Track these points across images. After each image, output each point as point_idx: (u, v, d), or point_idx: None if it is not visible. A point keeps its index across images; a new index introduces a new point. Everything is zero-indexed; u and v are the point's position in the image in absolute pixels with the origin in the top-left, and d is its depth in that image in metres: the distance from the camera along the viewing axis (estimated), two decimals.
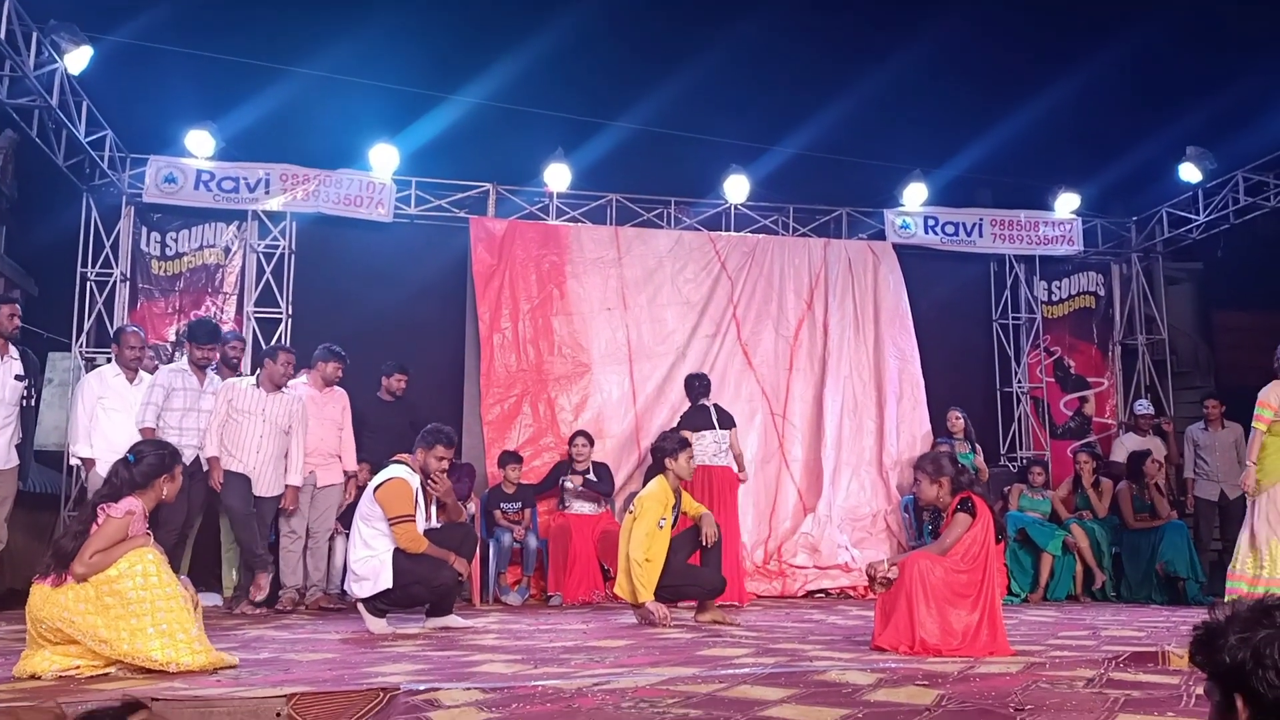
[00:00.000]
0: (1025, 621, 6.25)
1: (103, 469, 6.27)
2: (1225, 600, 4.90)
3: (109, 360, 7.37)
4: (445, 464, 5.75)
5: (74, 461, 6.73)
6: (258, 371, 7.19)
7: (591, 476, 8.30)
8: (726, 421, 8.16)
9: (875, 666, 3.80)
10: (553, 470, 8.55)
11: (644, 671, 3.73)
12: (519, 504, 8.20)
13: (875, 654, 4.45)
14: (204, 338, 6.96)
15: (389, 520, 5.43)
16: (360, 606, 5.54)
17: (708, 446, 7.92)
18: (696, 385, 8.37)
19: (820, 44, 14.05)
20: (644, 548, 5.93)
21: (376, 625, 5.46)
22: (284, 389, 7.03)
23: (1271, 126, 9.33)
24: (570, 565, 7.91)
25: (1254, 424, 6.74)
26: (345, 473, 7.42)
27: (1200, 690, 3.32)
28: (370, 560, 5.43)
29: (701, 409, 8.16)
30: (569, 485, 8.24)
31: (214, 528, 7.18)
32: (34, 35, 7.25)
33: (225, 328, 8.56)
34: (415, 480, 5.59)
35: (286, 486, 7.00)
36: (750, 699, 3.26)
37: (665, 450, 6.20)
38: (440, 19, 12.57)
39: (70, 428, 6.85)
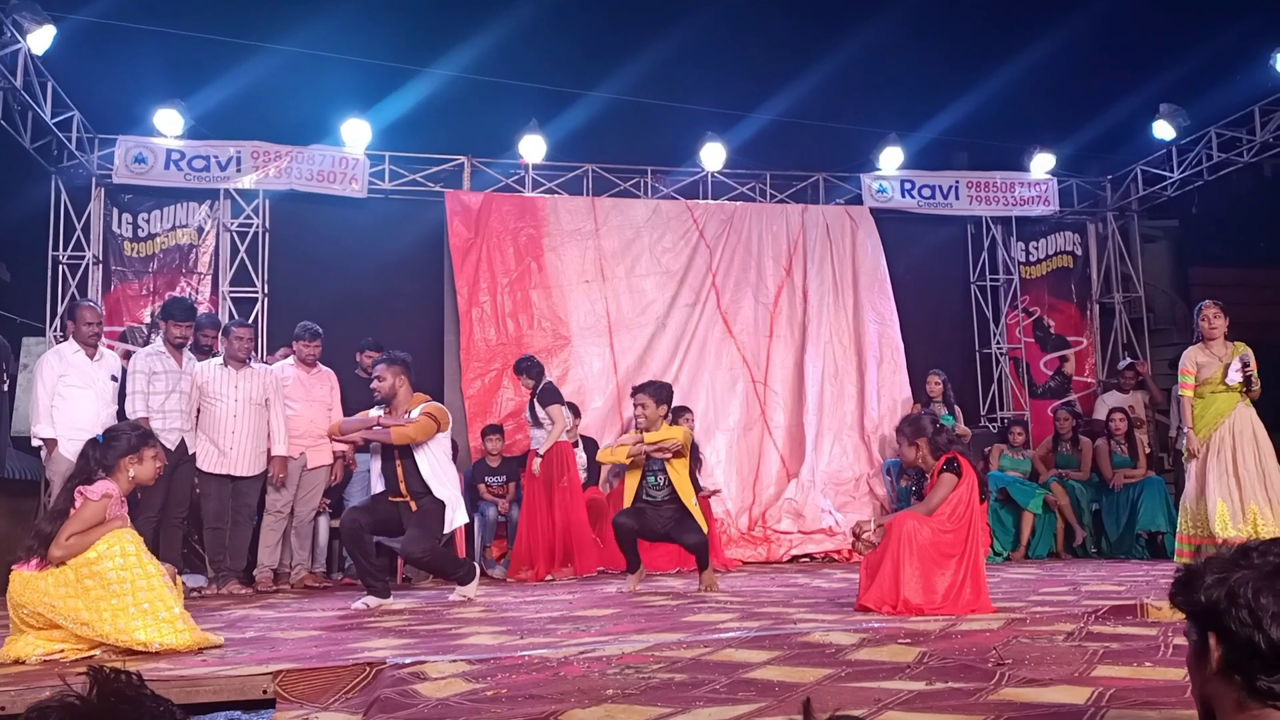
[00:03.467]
0: (1007, 579, 6.31)
1: (64, 448, 6.19)
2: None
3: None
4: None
5: (35, 442, 6.56)
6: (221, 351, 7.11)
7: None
8: None
9: (858, 627, 3.84)
10: None
11: (630, 638, 3.75)
12: (503, 477, 8.19)
13: (859, 615, 4.49)
14: (181, 315, 6.86)
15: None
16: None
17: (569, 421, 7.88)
18: (541, 366, 8.04)
19: (794, 9, 13.94)
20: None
21: (375, 601, 5.45)
22: (251, 363, 6.96)
23: (1243, 82, 9.34)
24: None
25: (1180, 391, 6.61)
26: (334, 454, 7.36)
27: (1177, 641, 3.38)
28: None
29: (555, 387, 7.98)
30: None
31: (198, 508, 7.13)
32: None
33: (200, 309, 8.45)
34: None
35: (274, 457, 6.92)
36: (735, 662, 3.28)
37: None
38: None
39: (31, 408, 6.63)
